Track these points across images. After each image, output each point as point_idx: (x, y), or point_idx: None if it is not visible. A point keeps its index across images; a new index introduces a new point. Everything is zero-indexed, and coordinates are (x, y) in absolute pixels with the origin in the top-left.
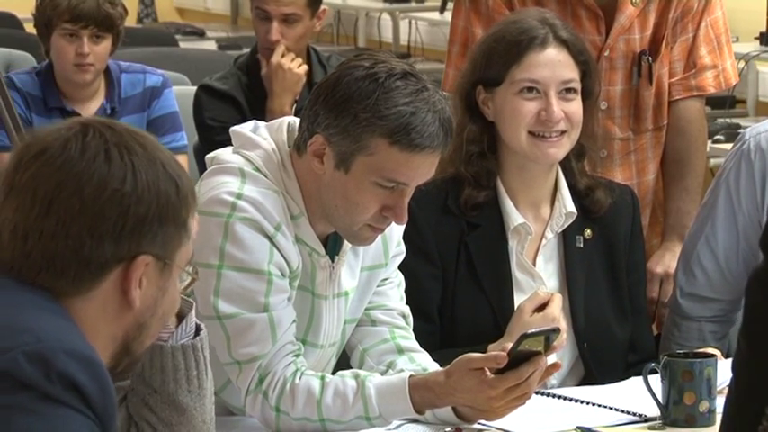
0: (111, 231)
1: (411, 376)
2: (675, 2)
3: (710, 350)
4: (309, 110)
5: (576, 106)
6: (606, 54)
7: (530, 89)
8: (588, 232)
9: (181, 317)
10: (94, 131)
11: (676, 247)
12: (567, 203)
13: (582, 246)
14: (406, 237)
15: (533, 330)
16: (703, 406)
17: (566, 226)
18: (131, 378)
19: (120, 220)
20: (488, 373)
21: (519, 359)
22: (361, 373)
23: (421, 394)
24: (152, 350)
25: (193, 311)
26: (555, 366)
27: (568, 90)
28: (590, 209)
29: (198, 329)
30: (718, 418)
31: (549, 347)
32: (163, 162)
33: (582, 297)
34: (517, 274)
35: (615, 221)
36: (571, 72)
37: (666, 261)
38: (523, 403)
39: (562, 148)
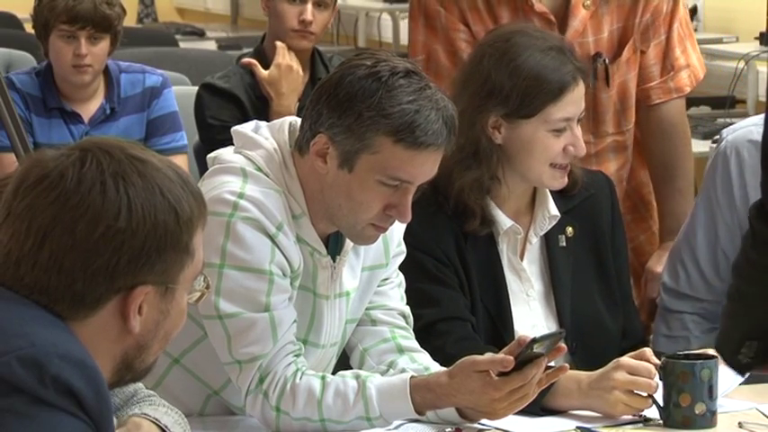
0: (105, 268)
1: (412, 377)
2: (641, 6)
3: (710, 351)
4: (312, 110)
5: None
6: None
7: (563, 126)
8: (570, 230)
9: None
10: (92, 159)
11: None
12: (551, 207)
13: (565, 245)
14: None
15: (541, 335)
16: (699, 408)
17: (549, 228)
18: None
19: (114, 256)
20: (493, 375)
21: (521, 361)
22: (362, 373)
23: (422, 395)
24: None
25: None
26: (562, 369)
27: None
28: (568, 189)
29: None
30: (719, 418)
31: (551, 350)
32: (162, 189)
33: (569, 297)
34: (507, 275)
35: (595, 212)
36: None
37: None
38: (525, 404)
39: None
